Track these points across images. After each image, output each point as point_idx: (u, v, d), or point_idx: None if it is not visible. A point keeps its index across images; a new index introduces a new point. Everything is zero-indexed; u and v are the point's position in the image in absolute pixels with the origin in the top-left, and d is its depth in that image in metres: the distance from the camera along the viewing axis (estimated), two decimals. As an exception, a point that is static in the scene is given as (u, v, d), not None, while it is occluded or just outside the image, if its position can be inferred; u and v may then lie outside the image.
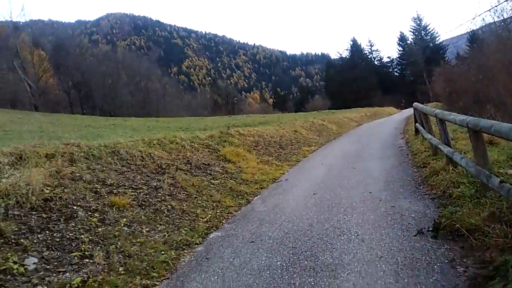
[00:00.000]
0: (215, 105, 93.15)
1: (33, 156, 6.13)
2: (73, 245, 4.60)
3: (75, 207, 5.37)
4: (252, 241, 5.33)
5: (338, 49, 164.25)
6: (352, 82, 78.44)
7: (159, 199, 6.63)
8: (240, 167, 10.07)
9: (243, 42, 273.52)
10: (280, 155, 13.04)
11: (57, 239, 4.59)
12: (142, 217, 5.82)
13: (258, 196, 8.04)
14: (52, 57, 60.32)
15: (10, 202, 4.84)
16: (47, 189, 5.43)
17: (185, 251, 5.15)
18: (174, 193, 7.13)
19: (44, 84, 56.27)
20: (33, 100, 50.84)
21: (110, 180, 6.58)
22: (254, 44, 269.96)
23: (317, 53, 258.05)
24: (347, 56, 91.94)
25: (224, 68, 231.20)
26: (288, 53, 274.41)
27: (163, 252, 4.94)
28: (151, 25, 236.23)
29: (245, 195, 8.07)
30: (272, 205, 7.15)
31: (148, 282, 4.19)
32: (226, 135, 12.62)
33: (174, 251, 5.07)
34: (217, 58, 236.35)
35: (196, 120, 31.52)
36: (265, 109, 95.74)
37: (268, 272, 4.32)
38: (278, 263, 4.53)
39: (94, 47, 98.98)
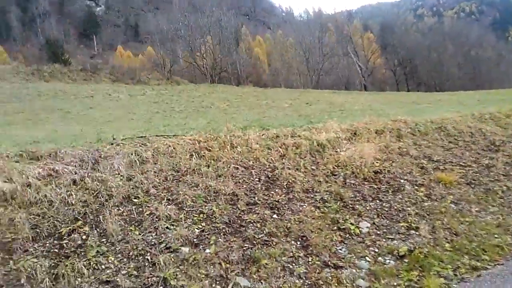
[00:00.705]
0: None
1: (365, 132, 6.78)
2: (400, 215, 4.86)
3: (402, 180, 5.64)
4: None
5: None
6: None
7: (492, 179, 6.07)
8: None
9: None
10: None
11: (386, 209, 4.98)
12: (471, 196, 5.50)
13: None
14: (379, 38, 63.55)
15: (347, 172, 5.57)
16: (377, 162, 5.93)
17: (524, 238, 4.56)
18: (511, 173, 6.35)
19: (372, 65, 59.90)
20: (362, 81, 55.23)
21: (436, 156, 6.52)
22: None
23: None
24: None
25: None
26: None
27: (496, 236, 4.54)
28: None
29: None
30: None
31: (478, 264, 3.97)
32: None
33: (510, 236, 4.56)
34: None
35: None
36: None
37: None
38: None
39: (419, 22, 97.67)
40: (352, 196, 5.08)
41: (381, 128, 7.02)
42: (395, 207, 5.01)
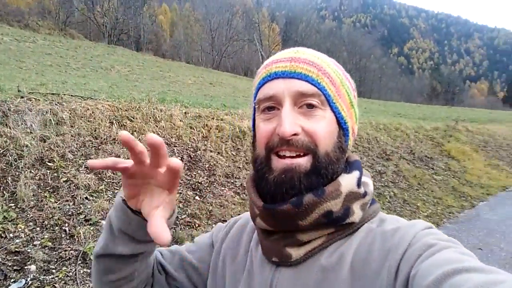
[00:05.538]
0: (432, 92, 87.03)
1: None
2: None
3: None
4: (479, 248, 5.07)
5: None
6: None
7: (383, 184, 6.84)
8: (464, 167, 9.40)
9: (481, 25, 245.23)
10: (514, 161, 11.56)
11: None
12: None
13: (484, 202, 7.44)
14: (283, 32, 65.77)
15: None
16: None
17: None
18: (397, 181, 7.22)
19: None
20: (262, 70, 56.55)
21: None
22: (495, 27, 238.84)
23: None
24: None
25: (451, 52, 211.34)
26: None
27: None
28: (380, 3, 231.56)
29: (469, 198, 7.58)
30: (503, 215, 6.55)
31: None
32: (453, 130, 11.82)
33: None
34: (445, 41, 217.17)
35: (412, 108, 30.19)
36: (492, 103, 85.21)
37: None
38: None
39: (321, 23, 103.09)
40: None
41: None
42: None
